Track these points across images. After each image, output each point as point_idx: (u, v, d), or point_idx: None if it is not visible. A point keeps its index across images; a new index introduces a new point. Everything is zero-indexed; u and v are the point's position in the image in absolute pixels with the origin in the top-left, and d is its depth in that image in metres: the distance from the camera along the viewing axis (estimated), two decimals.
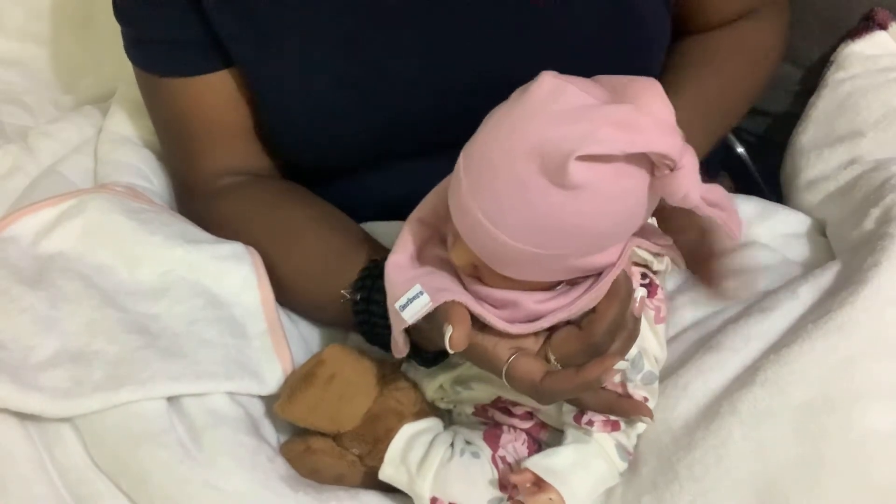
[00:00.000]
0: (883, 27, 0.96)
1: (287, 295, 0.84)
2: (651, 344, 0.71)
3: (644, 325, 0.69)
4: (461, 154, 0.63)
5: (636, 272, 0.70)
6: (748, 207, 0.89)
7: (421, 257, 0.69)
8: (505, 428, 0.75)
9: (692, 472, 0.68)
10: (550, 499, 0.68)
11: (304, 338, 0.85)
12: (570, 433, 0.71)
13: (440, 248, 0.69)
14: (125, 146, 1.00)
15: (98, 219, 0.83)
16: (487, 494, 0.72)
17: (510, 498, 0.71)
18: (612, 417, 0.70)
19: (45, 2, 1.17)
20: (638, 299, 0.65)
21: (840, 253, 0.83)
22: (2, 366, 0.72)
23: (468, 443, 0.74)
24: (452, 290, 0.65)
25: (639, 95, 0.59)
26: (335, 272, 0.79)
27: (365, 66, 0.83)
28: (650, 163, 0.60)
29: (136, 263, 0.81)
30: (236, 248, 0.84)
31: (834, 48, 0.98)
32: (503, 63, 0.81)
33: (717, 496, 0.67)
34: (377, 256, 0.77)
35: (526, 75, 0.62)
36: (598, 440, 0.70)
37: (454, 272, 0.68)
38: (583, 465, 0.70)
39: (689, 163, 0.59)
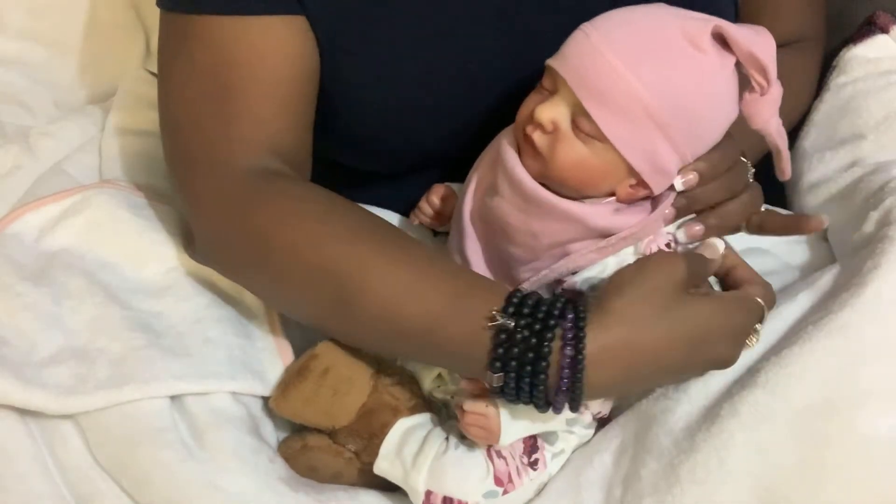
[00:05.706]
0: (884, 31, 0.96)
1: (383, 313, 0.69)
2: None
3: None
4: (583, 25, 0.70)
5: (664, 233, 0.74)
6: None
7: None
8: None
9: (694, 474, 0.68)
10: (487, 406, 0.68)
11: (307, 338, 0.85)
12: None
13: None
14: (127, 138, 0.99)
15: (102, 215, 0.83)
16: (482, 488, 0.72)
17: (457, 406, 0.71)
18: None
19: (45, 1, 1.17)
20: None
21: (840, 256, 0.83)
22: (4, 362, 0.71)
23: (463, 437, 0.73)
24: None
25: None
26: (467, 291, 0.68)
27: (454, 62, 0.81)
28: (747, 83, 0.69)
29: (141, 260, 0.81)
30: None
31: (836, 52, 0.98)
32: None
33: (720, 499, 0.67)
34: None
35: None
36: None
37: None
38: None
39: (778, 92, 0.68)
